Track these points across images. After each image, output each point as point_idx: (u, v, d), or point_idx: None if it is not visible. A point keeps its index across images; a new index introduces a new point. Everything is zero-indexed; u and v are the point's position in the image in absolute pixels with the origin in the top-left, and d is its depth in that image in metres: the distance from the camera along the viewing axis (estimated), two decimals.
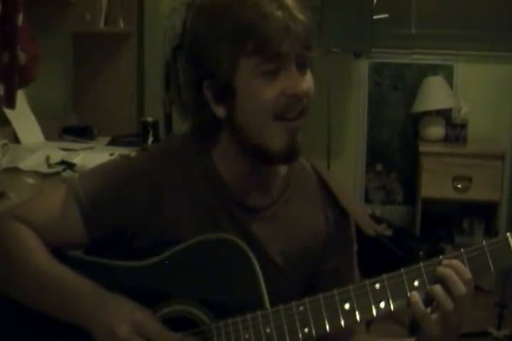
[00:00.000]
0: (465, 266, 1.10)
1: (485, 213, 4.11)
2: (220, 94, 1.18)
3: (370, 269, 1.25)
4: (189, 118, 1.27)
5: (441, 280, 1.10)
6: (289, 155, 1.20)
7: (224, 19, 1.15)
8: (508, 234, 1.10)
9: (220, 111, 1.20)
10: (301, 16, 1.15)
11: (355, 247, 1.37)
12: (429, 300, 1.11)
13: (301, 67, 1.17)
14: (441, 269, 1.10)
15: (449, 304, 1.09)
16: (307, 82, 1.18)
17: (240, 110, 1.18)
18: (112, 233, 1.24)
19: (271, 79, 1.15)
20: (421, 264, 1.12)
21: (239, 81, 1.16)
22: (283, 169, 1.30)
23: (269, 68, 1.14)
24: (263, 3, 1.14)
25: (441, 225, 4.21)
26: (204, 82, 1.19)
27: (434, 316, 1.11)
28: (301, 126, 1.19)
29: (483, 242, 1.11)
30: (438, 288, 1.10)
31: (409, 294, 1.11)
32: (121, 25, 3.48)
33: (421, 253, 3.52)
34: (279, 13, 1.14)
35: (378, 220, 3.99)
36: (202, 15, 1.20)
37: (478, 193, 3.89)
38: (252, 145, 1.19)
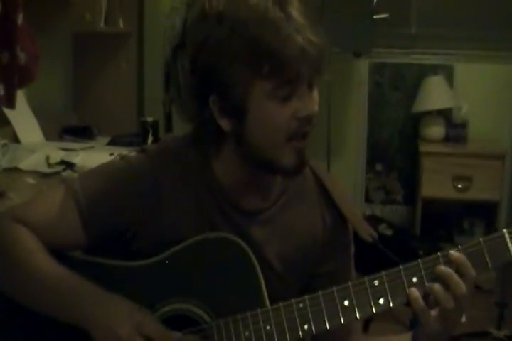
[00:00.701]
0: None
1: (485, 213, 4.11)
2: (228, 111, 1.17)
3: (367, 273, 1.25)
4: (191, 126, 1.25)
5: (441, 279, 1.10)
6: (297, 170, 1.21)
7: (239, 36, 1.11)
8: (505, 230, 1.11)
9: (225, 124, 1.18)
10: (316, 39, 1.13)
11: (353, 249, 1.36)
12: (426, 295, 1.11)
13: (311, 86, 1.17)
14: (441, 268, 1.10)
15: (449, 302, 1.09)
16: (315, 101, 1.18)
17: (250, 128, 1.17)
18: (111, 234, 1.24)
19: (284, 102, 1.14)
20: (419, 261, 1.12)
21: (251, 102, 1.14)
22: None
23: (284, 93, 1.13)
24: (282, 25, 1.11)
25: (441, 225, 4.21)
26: (211, 97, 1.17)
27: (433, 312, 1.11)
28: (307, 144, 1.20)
29: (480, 239, 1.11)
30: (438, 287, 1.10)
31: (407, 290, 1.11)
32: (121, 25, 3.48)
33: (421, 253, 3.52)
34: (299, 38, 1.11)
35: (378, 220, 3.99)
36: (209, 23, 1.14)
37: (478, 193, 3.89)
38: (260, 159, 1.19)
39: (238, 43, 1.11)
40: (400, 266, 1.13)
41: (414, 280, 1.12)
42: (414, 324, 2.96)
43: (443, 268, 1.10)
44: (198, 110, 1.20)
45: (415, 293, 1.10)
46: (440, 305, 1.10)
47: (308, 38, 1.12)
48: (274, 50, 1.10)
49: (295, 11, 1.13)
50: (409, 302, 1.11)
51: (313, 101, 1.17)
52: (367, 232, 1.32)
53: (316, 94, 1.19)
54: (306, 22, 1.14)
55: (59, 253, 1.24)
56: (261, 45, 1.10)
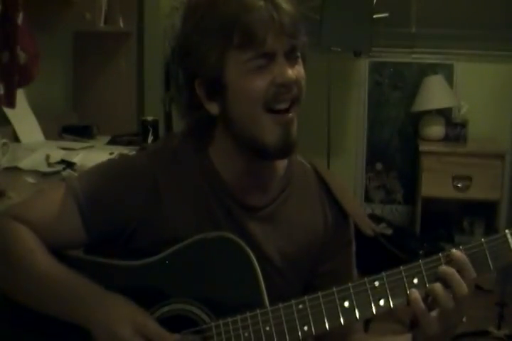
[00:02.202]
0: None
1: (485, 212, 4.11)
2: (212, 91, 1.18)
3: (369, 270, 1.25)
4: (185, 117, 1.26)
5: (442, 279, 1.09)
6: (284, 149, 1.19)
7: (209, 15, 1.15)
8: (507, 230, 1.10)
9: (213, 108, 1.20)
10: (284, 5, 1.14)
11: (354, 247, 1.36)
12: (428, 297, 1.10)
13: (291, 56, 1.17)
14: (443, 268, 1.10)
15: (449, 303, 1.09)
16: (297, 70, 1.18)
17: (232, 104, 1.18)
18: (111, 232, 1.24)
19: (260, 71, 1.15)
20: (420, 262, 1.11)
21: (228, 75, 1.16)
22: (282, 168, 1.30)
23: (259, 64, 1.14)
24: None
25: (442, 224, 4.21)
26: (196, 81, 1.19)
27: (433, 314, 1.10)
28: (294, 117, 1.18)
29: (482, 239, 1.10)
30: (439, 287, 1.09)
31: (408, 291, 1.11)
32: (121, 24, 3.48)
33: (421, 252, 3.53)
34: (261, 3, 1.13)
35: (378, 219, 4.00)
36: (188, 15, 1.20)
37: (478, 192, 3.89)
38: (246, 139, 1.19)
39: (209, 20, 1.15)
40: (401, 267, 1.12)
41: (415, 281, 1.11)
42: (414, 323, 2.97)
43: (445, 268, 1.10)
44: (189, 100, 1.21)
45: (415, 294, 1.10)
46: (440, 305, 1.09)
47: (275, 4, 1.13)
48: (240, 19, 1.12)
49: None
50: (408, 303, 1.11)
51: (292, 70, 1.16)
52: (368, 226, 1.32)
53: (299, 65, 1.19)
54: None
55: (59, 252, 1.24)
56: (227, 15, 1.13)
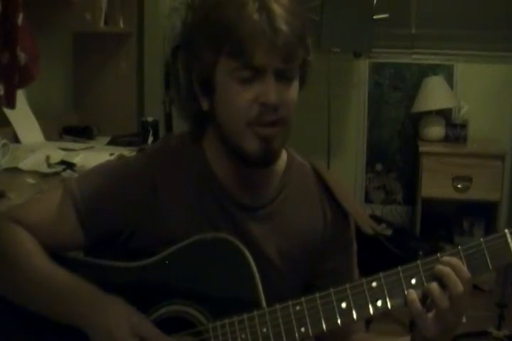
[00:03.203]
0: (463, 263, 1.09)
1: (485, 213, 4.11)
2: (204, 87, 1.20)
3: (368, 268, 1.25)
4: (182, 110, 1.27)
5: (439, 279, 1.09)
6: (262, 160, 1.19)
7: (209, 18, 1.16)
8: (506, 230, 1.09)
9: (204, 103, 1.21)
10: (282, 26, 1.12)
11: (355, 246, 1.36)
12: (425, 298, 1.10)
13: (282, 79, 1.15)
14: (440, 267, 1.10)
15: (444, 302, 1.08)
16: (286, 93, 1.16)
17: (219, 108, 1.19)
18: (109, 233, 1.24)
19: (246, 85, 1.14)
20: (418, 262, 1.11)
21: (218, 79, 1.17)
22: (280, 168, 1.30)
23: (245, 75, 1.14)
24: (247, 4, 1.12)
25: (441, 225, 4.21)
26: (193, 74, 1.20)
27: (430, 315, 1.10)
28: (276, 134, 1.17)
29: (481, 239, 1.10)
30: (434, 286, 1.09)
31: (406, 292, 1.10)
32: (121, 25, 3.47)
33: (421, 253, 3.52)
34: (257, 16, 1.11)
35: (378, 220, 3.99)
36: (194, 15, 1.20)
37: (478, 193, 3.89)
38: (230, 144, 1.20)
39: (209, 22, 1.15)
40: (399, 267, 1.12)
41: (413, 281, 1.11)
42: (413, 323, 2.98)
43: (441, 267, 1.09)
44: (186, 90, 1.22)
45: (413, 294, 1.10)
46: (436, 304, 1.09)
47: (272, 23, 1.11)
48: (233, 28, 1.12)
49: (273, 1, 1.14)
50: (406, 304, 1.11)
51: (277, 92, 1.15)
52: (368, 225, 1.32)
53: (291, 89, 1.17)
54: (281, 11, 1.13)
55: (57, 254, 1.24)
56: (223, 23, 1.13)
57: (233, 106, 1.16)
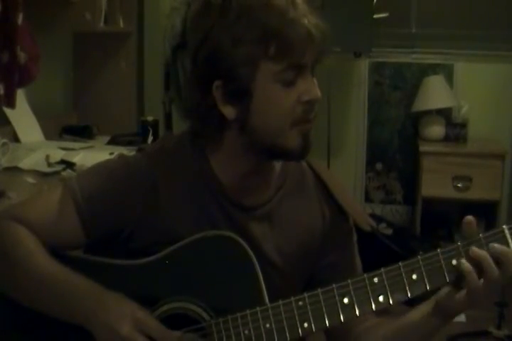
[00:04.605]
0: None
1: (485, 213, 4.10)
2: (233, 95, 1.17)
3: (368, 266, 1.25)
4: (191, 118, 1.24)
5: (476, 262, 1.09)
6: (303, 153, 1.22)
7: (245, 21, 1.13)
8: (504, 226, 1.11)
9: (229, 111, 1.18)
10: (320, 23, 1.17)
11: (355, 237, 1.36)
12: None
13: (312, 72, 1.19)
14: (475, 250, 1.09)
15: (495, 272, 1.08)
16: (317, 86, 1.19)
17: (255, 113, 1.17)
18: (109, 232, 1.24)
19: (289, 86, 1.16)
20: (419, 257, 1.13)
21: (257, 84, 1.15)
22: (278, 166, 1.30)
23: (290, 76, 1.15)
24: (288, 9, 1.14)
25: (442, 225, 4.21)
26: (215, 83, 1.16)
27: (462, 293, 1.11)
28: (312, 127, 1.21)
29: (480, 235, 1.11)
30: (486, 257, 1.09)
31: (408, 287, 1.11)
32: (121, 24, 3.48)
33: (421, 252, 3.52)
34: (305, 21, 1.14)
35: (378, 220, 4.00)
36: (213, 13, 1.15)
37: (478, 193, 3.89)
38: (265, 145, 1.19)
39: (244, 27, 1.13)
40: (400, 263, 1.13)
41: (414, 276, 1.12)
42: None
43: (477, 250, 1.10)
44: (200, 99, 1.19)
45: (466, 264, 1.09)
46: (487, 275, 1.08)
47: (313, 22, 1.15)
48: (281, 31, 1.12)
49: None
50: (462, 276, 1.10)
51: (316, 87, 1.19)
52: (365, 222, 1.33)
53: (316, 80, 1.20)
54: (309, 8, 1.17)
55: (59, 252, 1.24)
56: (268, 27, 1.12)
57: (277, 109, 1.16)
